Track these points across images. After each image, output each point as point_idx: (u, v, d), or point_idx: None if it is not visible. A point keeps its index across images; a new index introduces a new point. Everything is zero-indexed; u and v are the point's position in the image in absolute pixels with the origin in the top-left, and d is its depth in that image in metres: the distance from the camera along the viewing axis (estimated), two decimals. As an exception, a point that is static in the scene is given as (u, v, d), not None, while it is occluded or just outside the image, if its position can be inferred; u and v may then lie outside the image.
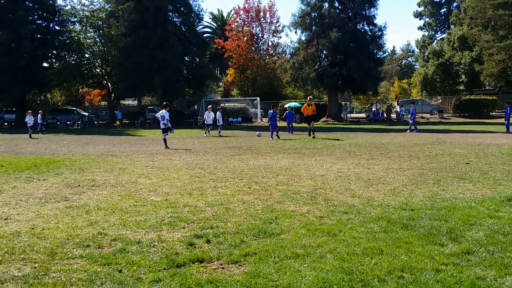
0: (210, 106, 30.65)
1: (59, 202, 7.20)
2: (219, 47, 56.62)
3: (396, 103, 47.22)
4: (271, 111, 22.69)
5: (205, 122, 27.15)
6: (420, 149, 15.02)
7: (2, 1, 44.01)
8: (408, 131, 24.99)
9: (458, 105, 46.03)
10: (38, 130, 33.07)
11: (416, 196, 7.18)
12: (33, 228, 5.59)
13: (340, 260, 4.26)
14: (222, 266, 4.26)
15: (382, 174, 9.52)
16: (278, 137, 21.46)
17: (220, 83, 73.70)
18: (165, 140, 17.70)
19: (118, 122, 44.92)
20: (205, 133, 26.23)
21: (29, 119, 28.90)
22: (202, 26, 66.81)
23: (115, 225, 5.67)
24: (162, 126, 17.93)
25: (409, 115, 26.22)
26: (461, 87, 57.67)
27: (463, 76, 55.14)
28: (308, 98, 23.89)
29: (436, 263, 4.14)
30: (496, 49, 40.72)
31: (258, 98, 44.70)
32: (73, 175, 10.13)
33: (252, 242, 4.92)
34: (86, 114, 50.37)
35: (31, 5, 45.96)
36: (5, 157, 14.55)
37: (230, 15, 67.27)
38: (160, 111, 18.34)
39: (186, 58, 48.69)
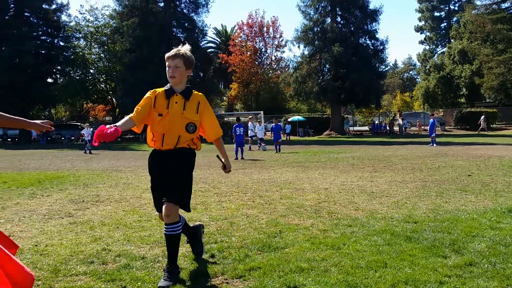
0: (251, 116, 27.67)
1: (62, 218, 7.18)
2: (223, 62, 57.00)
3: (398, 116, 47.30)
4: (273, 124, 22.86)
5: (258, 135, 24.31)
6: (423, 161, 15.01)
7: (6, 17, 44.24)
8: (430, 145, 24.17)
9: (459, 117, 46.18)
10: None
11: (419, 208, 7.18)
12: (36, 245, 5.54)
13: (344, 274, 4.26)
14: (226, 281, 4.26)
15: (386, 187, 9.52)
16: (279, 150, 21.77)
17: (224, 98, 74.10)
18: None
19: None
20: (261, 147, 23.98)
21: (87, 132, 26.30)
22: (206, 41, 67.45)
23: (119, 241, 5.66)
24: None
25: (429, 128, 25.18)
26: (462, 100, 57.94)
27: (464, 89, 55.40)
28: None
29: (440, 275, 4.14)
30: (496, 63, 41.01)
31: (262, 112, 44.86)
32: (77, 191, 10.14)
33: (256, 256, 4.92)
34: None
35: (35, 21, 46.29)
36: (8, 173, 14.53)
37: (234, 30, 67.78)
38: None
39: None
